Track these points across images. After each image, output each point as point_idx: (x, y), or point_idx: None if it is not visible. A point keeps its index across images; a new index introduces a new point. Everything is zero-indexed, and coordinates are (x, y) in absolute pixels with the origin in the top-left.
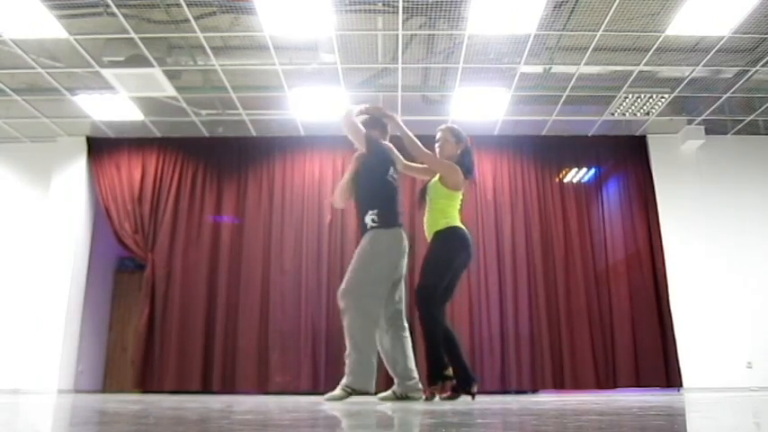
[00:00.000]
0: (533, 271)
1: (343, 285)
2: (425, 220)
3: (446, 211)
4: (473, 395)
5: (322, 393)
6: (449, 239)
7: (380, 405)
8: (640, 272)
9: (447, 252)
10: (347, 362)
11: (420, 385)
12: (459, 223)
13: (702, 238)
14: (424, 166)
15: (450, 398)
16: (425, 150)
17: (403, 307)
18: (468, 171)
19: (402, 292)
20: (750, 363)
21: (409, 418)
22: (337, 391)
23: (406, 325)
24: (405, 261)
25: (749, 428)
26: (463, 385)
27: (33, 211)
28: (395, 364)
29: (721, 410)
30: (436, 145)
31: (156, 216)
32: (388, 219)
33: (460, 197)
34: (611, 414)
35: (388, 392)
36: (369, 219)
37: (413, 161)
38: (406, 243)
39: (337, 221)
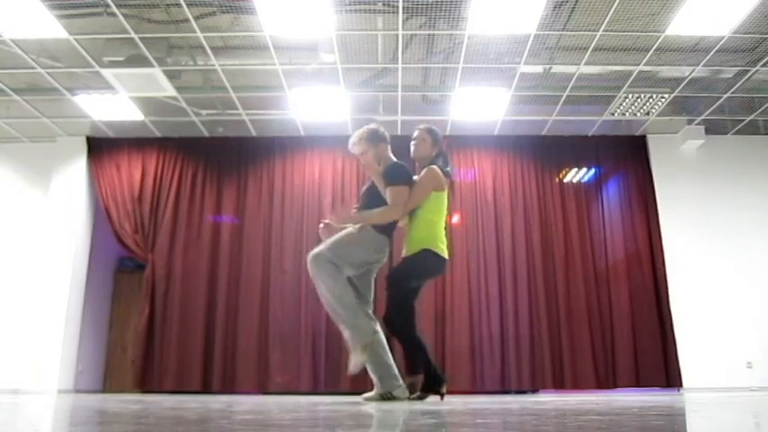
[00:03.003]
0: (533, 271)
1: (314, 251)
2: (409, 224)
3: (435, 221)
4: (442, 395)
5: (322, 393)
6: (434, 265)
7: (365, 405)
8: (640, 272)
9: (427, 272)
10: (334, 315)
11: (403, 383)
12: (441, 243)
13: (702, 238)
14: (416, 199)
15: (419, 398)
16: (393, 216)
17: (371, 303)
18: (444, 172)
19: (372, 291)
20: (750, 363)
21: (409, 419)
22: (374, 393)
23: (375, 321)
24: (379, 262)
25: (749, 428)
26: (432, 385)
27: (33, 211)
28: (378, 365)
29: (721, 410)
30: (412, 143)
31: (156, 216)
32: (382, 227)
33: (445, 200)
34: (611, 414)
35: (373, 393)
36: None
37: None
38: (386, 248)
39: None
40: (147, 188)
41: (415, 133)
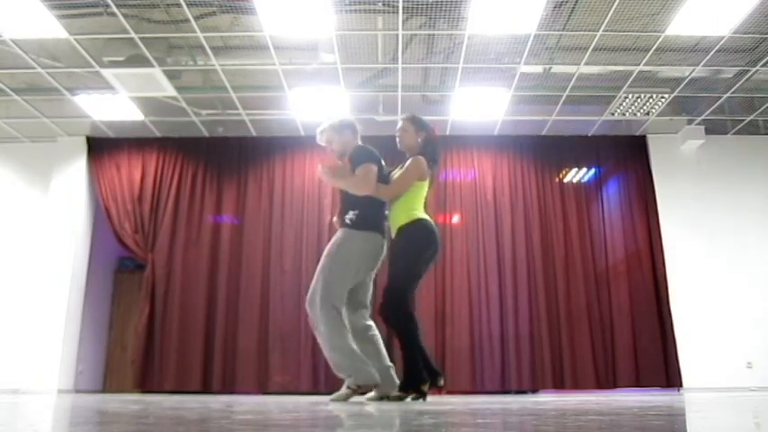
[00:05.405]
0: (533, 271)
1: (309, 293)
2: (389, 214)
3: (411, 203)
4: (440, 388)
5: (322, 393)
6: (415, 232)
7: (365, 405)
8: (640, 272)
9: (414, 247)
10: (334, 365)
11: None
12: (424, 215)
13: (702, 238)
14: (398, 187)
15: (420, 397)
16: (378, 186)
17: (368, 305)
18: (432, 160)
19: (370, 292)
20: (750, 363)
21: (409, 418)
22: (343, 390)
23: (371, 323)
24: (378, 265)
25: (749, 428)
26: (430, 379)
27: (33, 211)
28: (375, 366)
29: (721, 410)
30: (396, 135)
31: (156, 216)
32: (365, 221)
33: (426, 188)
34: (611, 414)
35: (373, 393)
36: (347, 218)
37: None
38: (381, 248)
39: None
40: (147, 188)
41: (398, 125)
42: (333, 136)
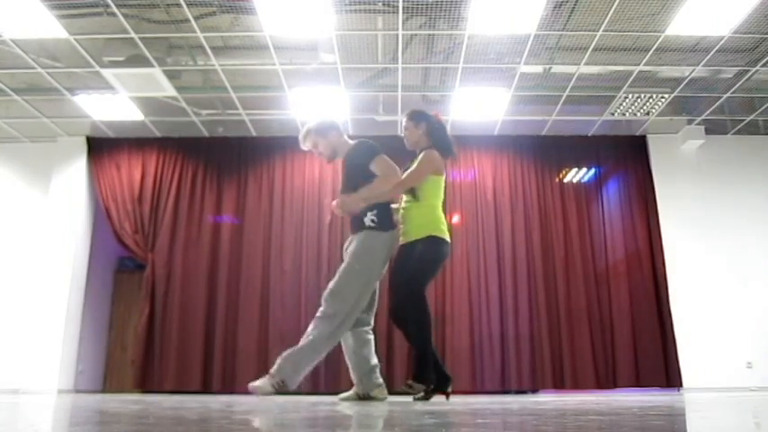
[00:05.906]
0: (533, 271)
1: (334, 286)
2: (409, 209)
3: (436, 204)
4: (447, 395)
5: (322, 393)
6: (442, 250)
7: (370, 406)
8: (640, 272)
9: (437, 261)
10: (286, 356)
11: (383, 384)
12: (443, 225)
13: (702, 238)
14: (411, 181)
15: (424, 398)
16: (393, 182)
17: (375, 306)
18: (444, 150)
19: (377, 293)
20: (750, 363)
21: (409, 418)
22: (266, 381)
23: (372, 323)
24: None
25: (749, 428)
26: (438, 384)
27: (33, 211)
28: (362, 364)
29: (721, 410)
30: (403, 136)
31: (156, 216)
32: (386, 221)
33: (443, 182)
34: (611, 414)
35: (350, 392)
36: (368, 220)
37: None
38: (398, 244)
39: (337, 221)
40: (147, 188)
41: (402, 124)
42: (318, 139)
